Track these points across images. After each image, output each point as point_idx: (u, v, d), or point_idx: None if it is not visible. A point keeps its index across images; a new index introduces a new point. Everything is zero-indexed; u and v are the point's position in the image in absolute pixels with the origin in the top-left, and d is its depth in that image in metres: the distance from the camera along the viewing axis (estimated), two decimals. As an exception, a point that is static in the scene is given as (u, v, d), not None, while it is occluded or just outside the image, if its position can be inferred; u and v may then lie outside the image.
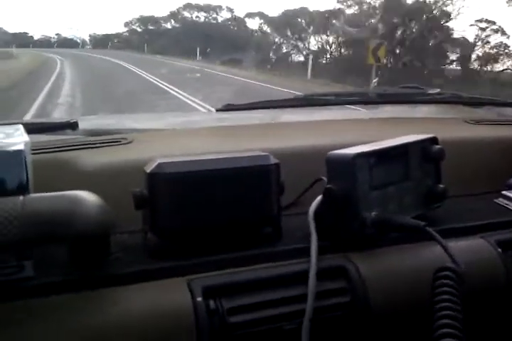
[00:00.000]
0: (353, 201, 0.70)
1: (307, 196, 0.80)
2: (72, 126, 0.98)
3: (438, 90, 1.29)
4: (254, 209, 0.70)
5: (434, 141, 0.82)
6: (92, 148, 0.88)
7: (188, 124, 1.22)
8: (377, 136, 0.85)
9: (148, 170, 0.67)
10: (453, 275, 0.61)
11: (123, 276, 0.63)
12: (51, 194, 0.57)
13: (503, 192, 0.92)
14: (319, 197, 0.75)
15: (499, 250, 0.77)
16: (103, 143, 0.91)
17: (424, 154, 0.81)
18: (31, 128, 0.99)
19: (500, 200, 0.92)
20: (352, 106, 1.32)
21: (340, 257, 0.70)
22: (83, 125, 1.04)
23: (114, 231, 0.65)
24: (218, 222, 0.69)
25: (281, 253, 0.70)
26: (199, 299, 0.61)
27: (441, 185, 0.82)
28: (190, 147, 0.93)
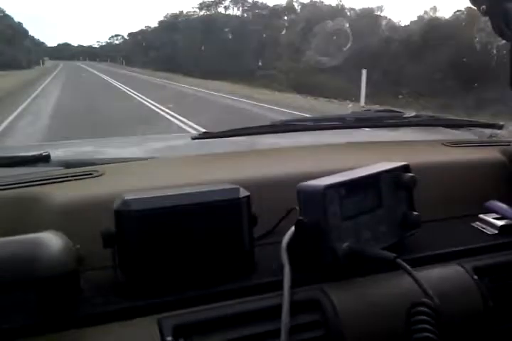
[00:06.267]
0: (324, 232, 0.70)
1: (284, 224, 0.79)
2: (45, 158, 0.97)
3: (414, 113, 1.30)
4: (226, 243, 0.69)
5: (406, 168, 0.82)
6: (62, 182, 0.87)
7: (164, 152, 1.21)
8: (354, 162, 0.85)
9: (114, 207, 0.66)
10: (428, 310, 0.60)
11: (90, 317, 0.61)
12: (11, 238, 0.55)
13: (481, 216, 0.92)
14: (292, 229, 0.74)
15: (475, 277, 0.76)
16: (74, 176, 0.90)
17: (396, 182, 0.80)
18: (1, 163, 0.98)
19: (478, 224, 0.91)
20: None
21: (313, 289, 0.69)
22: (56, 154, 1.02)
23: (84, 268, 0.63)
24: (189, 258, 0.68)
25: (254, 288, 0.68)
26: (169, 338, 0.60)
27: (415, 213, 0.81)
28: (163, 179, 0.92)
